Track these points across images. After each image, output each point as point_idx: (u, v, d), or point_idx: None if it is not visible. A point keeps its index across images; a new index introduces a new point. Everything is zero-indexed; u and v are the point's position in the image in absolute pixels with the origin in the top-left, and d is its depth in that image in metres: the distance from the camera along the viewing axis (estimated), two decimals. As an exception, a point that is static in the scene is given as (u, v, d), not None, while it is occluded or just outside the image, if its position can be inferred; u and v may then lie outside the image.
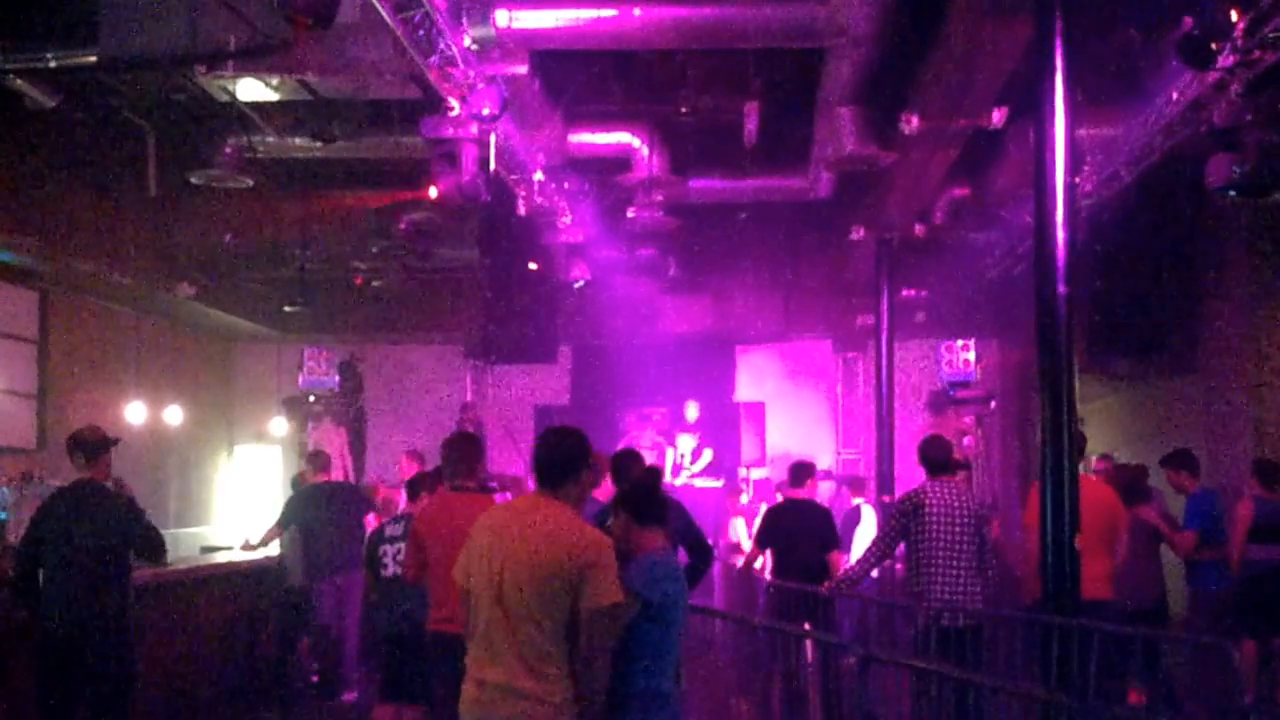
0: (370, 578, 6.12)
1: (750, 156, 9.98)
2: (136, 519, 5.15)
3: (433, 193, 7.29)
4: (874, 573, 6.31)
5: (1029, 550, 5.71)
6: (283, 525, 8.13)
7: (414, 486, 6.17)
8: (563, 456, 3.24)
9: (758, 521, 9.96)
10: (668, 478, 11.02)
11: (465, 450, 4.98)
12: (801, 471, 7.30)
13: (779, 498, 9.11)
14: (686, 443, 11.86)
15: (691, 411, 12.08)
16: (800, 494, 7.23)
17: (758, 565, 7.98)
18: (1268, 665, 6.46)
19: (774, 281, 13.49)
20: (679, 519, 5.35)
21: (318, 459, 8.58)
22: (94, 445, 5.13)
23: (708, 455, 11.86)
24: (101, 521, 5.00)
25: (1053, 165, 5.25)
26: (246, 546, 8.58)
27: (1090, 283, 8.96)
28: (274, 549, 8.47)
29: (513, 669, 3.02)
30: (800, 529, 6.98)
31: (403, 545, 5.73)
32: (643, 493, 3.63)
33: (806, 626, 6.06)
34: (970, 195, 10.20)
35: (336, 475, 11.31)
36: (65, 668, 4.89)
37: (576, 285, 10.82)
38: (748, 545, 9.41)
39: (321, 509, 7.95)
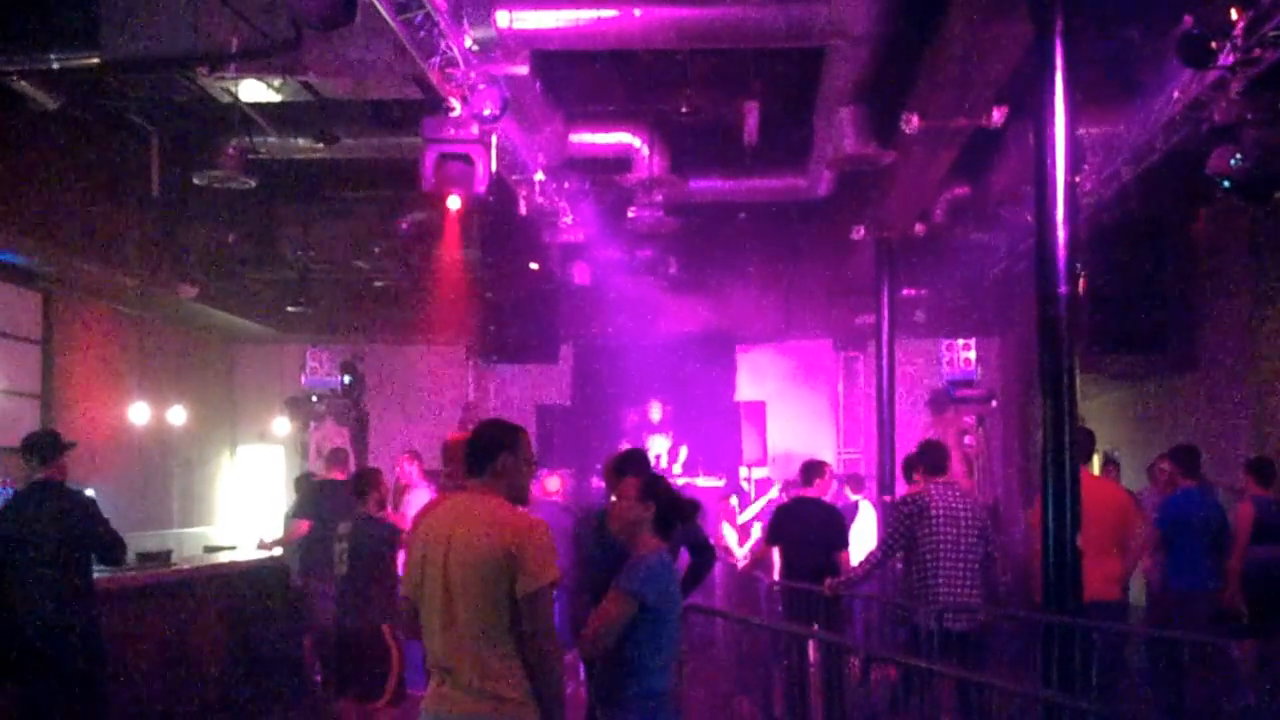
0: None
1: (750, 156, 9.99)
2: (96, 520, 5.16)
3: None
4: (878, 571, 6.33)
5: (1035, 550, 5.73)
6: (295, 515, 8.10)
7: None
8: (478, 444, 3.24)
9: (749, 515, 10.00)
10: None
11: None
12: (811, 470, 7.30)
13: (784, 497, 9.10)
14: (660, 443, 11.72)
15: (655, 412, 11.87)
16: (810, 493, 7.23)
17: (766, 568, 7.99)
18: (1269, 665, 6.46)
19: (774, 281, 13.50)
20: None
21: (335, 456, 8.55)
22: (48, 448, 5.16)
23: (683, 453, 11.75)
24: (62, 521, 5.02)
25: (1053, 164, 5.25)
26: (263, 545, 8.59)
27: (1091, 281, 8.97)
28: (276, 549, 8.49)
29: (469, 667, 3.03)
30: (809, 528, 6.98)
31: (349, 545, 5.75)
32: (677, 509, 3.65)
33: (815, 627, 6.07)
34: (970, 194, 10.21)
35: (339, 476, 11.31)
36: (36, 668, 4.91)
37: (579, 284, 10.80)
38: (737, 550, 9.42)
39: (326, 507, 7.95)
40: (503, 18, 6.82)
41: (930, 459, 6.02)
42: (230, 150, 8.82)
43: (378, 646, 5.60)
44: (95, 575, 5.34)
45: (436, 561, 3.08)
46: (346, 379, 12.53)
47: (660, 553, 3.58)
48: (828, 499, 8.01)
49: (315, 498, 8.03)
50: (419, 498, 7.59)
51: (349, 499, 8.18)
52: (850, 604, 7.09)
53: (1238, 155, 6.10)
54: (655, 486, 3.72)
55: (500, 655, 3.01)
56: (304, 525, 7.83)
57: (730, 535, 9.73)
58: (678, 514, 3.67)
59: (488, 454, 3.20)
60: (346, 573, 5.71)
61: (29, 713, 4.96)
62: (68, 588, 4.99)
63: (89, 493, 5.63)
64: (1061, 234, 5.21)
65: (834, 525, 7.13)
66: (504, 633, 3.01)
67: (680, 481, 11.13)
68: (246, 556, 8.69)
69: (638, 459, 5.33)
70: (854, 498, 9.49)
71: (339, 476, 8.27)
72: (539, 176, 9.16)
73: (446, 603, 3.05)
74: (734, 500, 10.70)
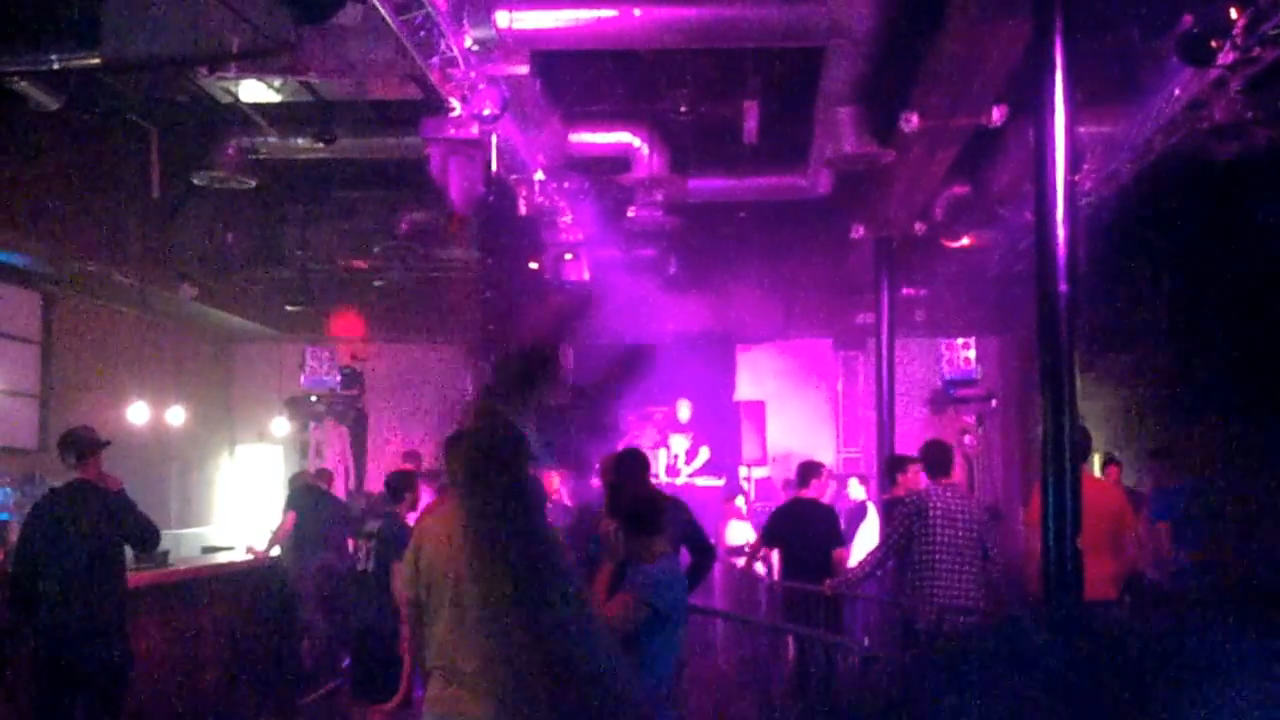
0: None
1: (750, 155, 9.98)
2: (128, 511, 5.15)
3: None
4: (878, 572, 6.33)
5: (1031, 550, 5.73)
6: (288, 508, 8.18)
7: (396, 487, 6.05)
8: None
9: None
10: (664, 478, 11.01)
11: None
12: (808, 471, 7.33)
13: (786, 497, 9.09)
14: (680, 443, 11.80)
15: (683, 411, 11.99)
16: (807, 494, 7.26)
17: (761, 569, 7.99)
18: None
19: (774, 280, 13.49)
20: (682, 519, 5.37)
21: (321, 475, 8.74)
22: (85, 445, 5.14)
23: (705, 454, 11.81)
24: (94, 522, 5.01)
25: (1053, 163, 5.25)
26: (251, 552, 8.61)
27: (1091, 280, 8.96)
28: (274, 551, 8.50)
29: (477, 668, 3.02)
30: (807, 528, 7.02)
31: (375, 543, 5.79)
32: (638, 507, 3.64)
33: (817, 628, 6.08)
34: (970, 193, 10.21)
35: (339, 476, 11.38)
36: (62, 667, 4.91)
37: (569, 285, 10.77)
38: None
39: (315, 508, 8.04)
40: (503, 18, 6.82)
41: (932, 459, 6.00)
42: (230, 150, 8.82)
43: (398, 646, 5.61)
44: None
45: (443, 564, 3.07)
46: (346, 379, 12.55)
47: (666, 557, 3.58)
48: (827, 500, 8.03)
49: (302, 495, 8.12)
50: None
51: (334, 504, 8.29)
52: (851, 604, 7.11)
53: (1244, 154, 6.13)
54: (617, 500, 3.71)
55: None
56: (290, 518, 7.95)
57: (739, 534, 9.73)
58: (639, 510, 3.64)
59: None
60: (372, 570, 5.73)
61: (52, 709, 4.96)
62: (100, 588, 5.00)
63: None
64: (1061, 233, 5.21)
65: (831, 525, 7.18)
66: None
67: (680, 481, 11.14)
68: (245, 557, 8.69)
69: (635, 459, 5.34)
70: (860, 496, 9.49)
71: (324, 487, 8.42)
72: (539, 176, 9.16)
73: (455, 604, 3.04)
74: (740, 501, 10.71)
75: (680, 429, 11.90)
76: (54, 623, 4.90)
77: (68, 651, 4.90)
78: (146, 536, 5.24)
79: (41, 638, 4.93)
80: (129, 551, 6.04)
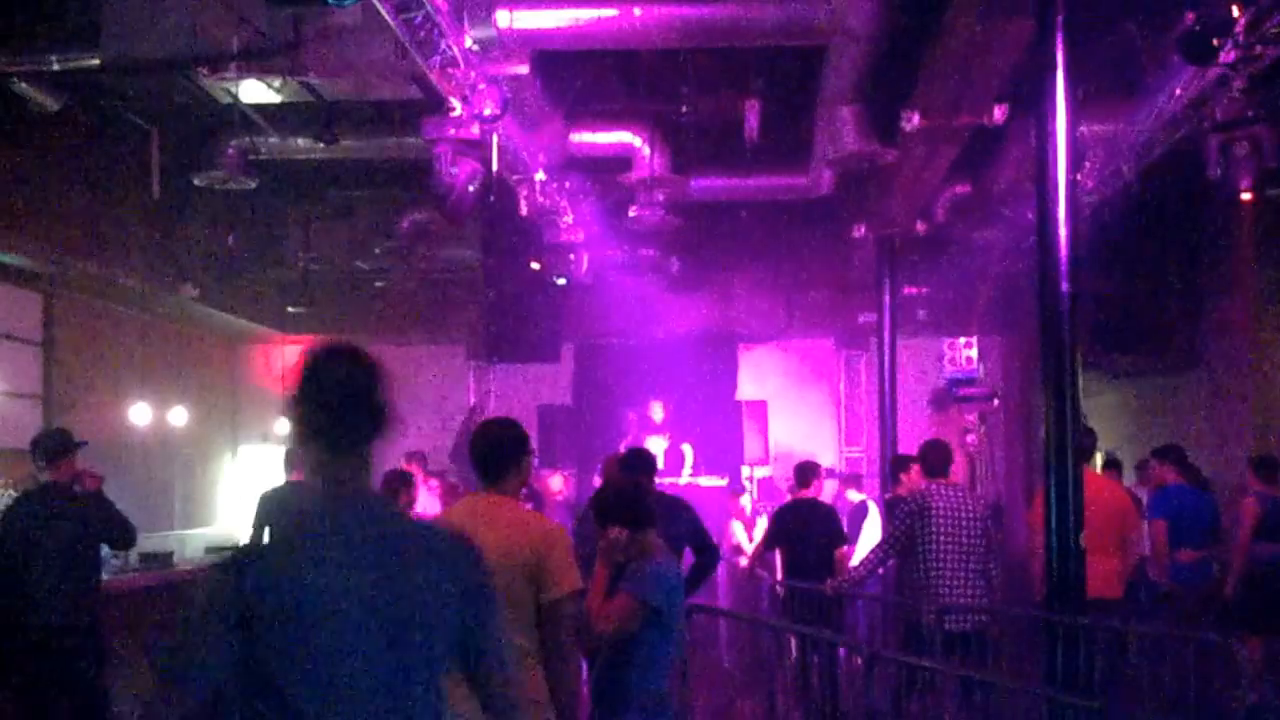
0: None
1: (751, 155, 9.98)
2: (102, 511, 5.12)
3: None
4: (879, 570, 6.33)
5: (1035, 548, 5.72)
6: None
7: (391, 487, 5.95)
8: (502, 449, 3.22)
9: (761, 522, 9.99)
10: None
11: None
12: (807, 472, 7.39)
13: (789, 497, 9.11)
14: (656, 445, 11.63)
15: (656, 412, 11.72)
16: (806, 494, 7.32)
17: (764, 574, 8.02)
18: (1273, 664, 6.44)
19: (776, 279, 13.49)
20: (686, 519, 5.36)
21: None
22: (54, 448, 5.11)
23: (688, 452, 11.64)
24: (66, 525, 4.98)
25: (1054, 162, 5.24)
26: None
27: (1094, 279, 8.96)
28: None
29: None
30: (807, 528, 7.07)
31: None
32: (628, 500, 3.61)
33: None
34: (972, 192, 10.19)
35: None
36: (40, 671, 4.90)
37: (560, 282, 10.69)
38: (748, 548, 9.43)
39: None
40: (503, 17, 6.81)
41: (930, 460, 5.99)
42: (230, 150, 8.82)
43: None
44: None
45: None
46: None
47: (664, 555, 3.57)
48: (828, 501, 8.04)
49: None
50: (422, 498, 7.61)
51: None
52: (853, 603, 7.12)
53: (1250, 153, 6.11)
54: (600, 497, 3.70)
55: (517, 657, 3.00)
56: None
57: (740, 533, 9.73)
58: (630, 503, 3.62)
59: (512, 457, 3.20)
60: None
61: (32, 713, 4.96)
62: (74, 592, 4.98)
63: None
64: (1063, 232, 5.21)
65: (831, 524, 7.23)
66: (524, 635, 3.01)
67: (681, 481, 11.10)
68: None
69: (639, 458, 5.33)
70: (858, 498, 9.48)
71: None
72: (539, 176, 9.15)
73: None
74: (745, 500, 10.67)
75: (655, 430, 11.66)
76: (29, 627, 4.88)
77: (44, 656, 4.88)
78: (121, 535, 5.21)
79: (18, 642, 4.91)
80: (133, 554, 6.05)
